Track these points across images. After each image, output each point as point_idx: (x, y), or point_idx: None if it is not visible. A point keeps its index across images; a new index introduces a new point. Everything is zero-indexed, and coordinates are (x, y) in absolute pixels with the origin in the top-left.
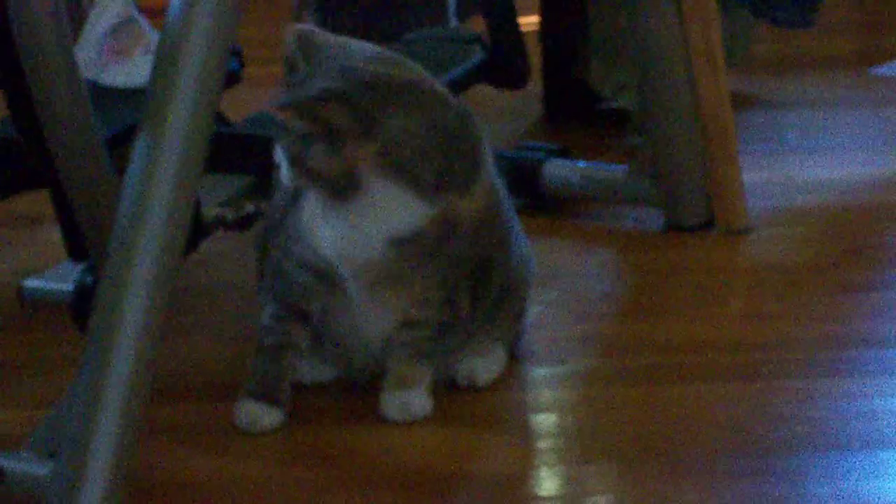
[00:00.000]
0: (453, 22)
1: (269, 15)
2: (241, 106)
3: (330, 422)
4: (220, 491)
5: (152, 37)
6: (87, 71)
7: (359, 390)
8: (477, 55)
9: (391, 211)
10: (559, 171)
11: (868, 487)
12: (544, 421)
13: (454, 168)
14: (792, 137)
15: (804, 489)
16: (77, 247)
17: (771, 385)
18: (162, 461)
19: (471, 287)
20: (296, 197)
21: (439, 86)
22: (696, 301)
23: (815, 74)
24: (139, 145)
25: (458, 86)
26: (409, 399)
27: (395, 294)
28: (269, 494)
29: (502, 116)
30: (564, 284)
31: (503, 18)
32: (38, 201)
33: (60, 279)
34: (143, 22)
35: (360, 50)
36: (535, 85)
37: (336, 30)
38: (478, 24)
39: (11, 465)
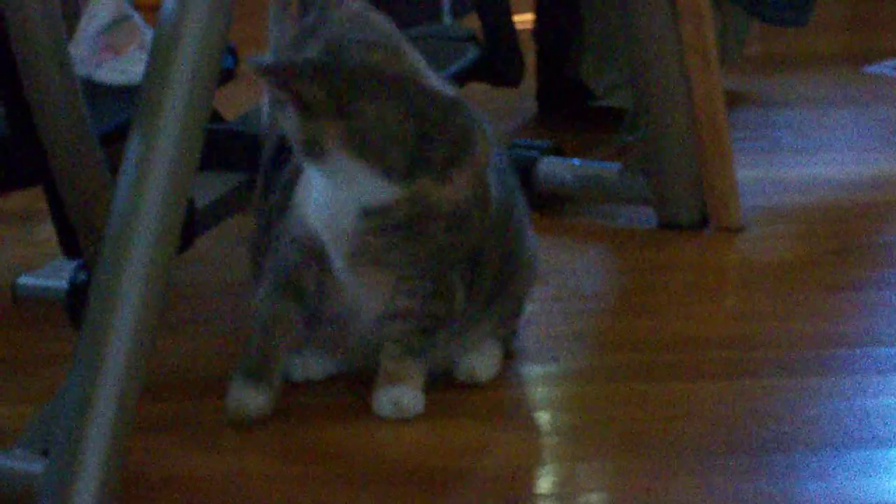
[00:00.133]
0: (448, 20)
1: (263, 12)
2: (236, 103)
3: (324, 418)
4: (214, 487)
5: (147, 34)
6: (82, 68)
7: (352, 387)
8: (471, 53)
9: (359, 183)
10: (553, 168)
11: (861, 485)
12: (538, 418)
13: (429, 156)
14: (785, 136)
15: (797, 487)
16: (71, 244)
17: (764, 383)
18: (155, 457)
19: (466, 280)
20: (293, 181)
21: (430, 78)
22: (689, 299)
23: (809, 73)
24: (133, 142)
25: (453, 83)
26: (401, 396)
27: (377, 275)
28: (262, 490)
29: (496, 114)
30: (557, 282)
31: (498, 16)
32: (31, 198)
33: (54, 276)
34: (138, 19)
35: (371, 28)
36: (529, 83)
37: None
38: (472, 22)
39: (4, 462)
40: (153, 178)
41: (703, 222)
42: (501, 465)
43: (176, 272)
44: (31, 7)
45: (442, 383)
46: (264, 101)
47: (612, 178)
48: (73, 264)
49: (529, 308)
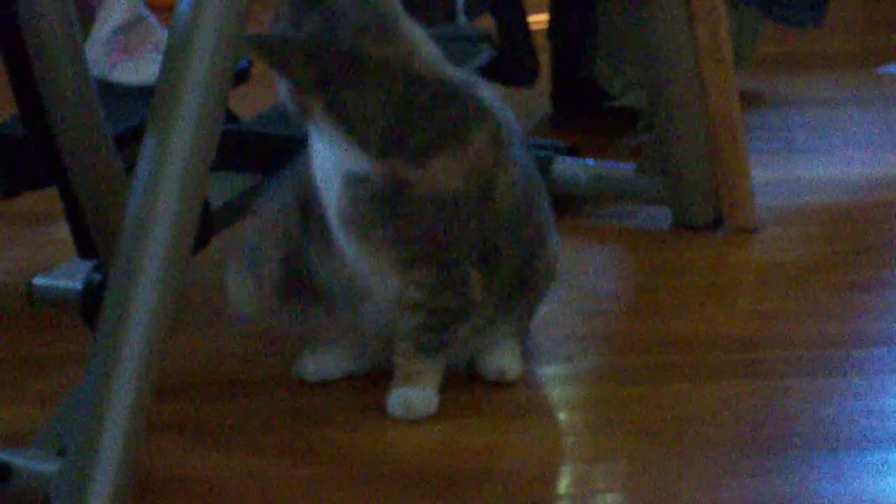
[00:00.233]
0: (462, 20)
1: None
2: (250, 103)
3: (338, 419)
4: (227, 488)
5: (161, 34)
6: (97, 69)
7: (367, 387)
8: (486, 53)
9: (342, 150)
10: (567, 169)
11: (876, 486)
12: (552, 419)
13: (406, 139)
14: (800, 136)
15: (812, 488)
16: (86, 244)
17: (779, 383)
18: (169, 458)
19: (482, 275)
20: None
21: (430, 62)
22: (704, 299)
23: (823, 73)
24: (148, 143)
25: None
26: (414, 397)
27: (372, 252)
28: (276, 492)
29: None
30: (572, 282)
31: (512, 16)
32: (47, 199)
33: (69, 277)
34: (153, 19)
35: (371, 5)
36: (543, 83)
37: None
38: (487, 22)
39: (20, 462)
40: (168, 178)
41: (718, 222)
42: (516, 465)
43: (191, 272)
44: (46, 8)
45: (457, 383)
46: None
47: (627, 179)
48: (88, 265)
49: (544, 308)
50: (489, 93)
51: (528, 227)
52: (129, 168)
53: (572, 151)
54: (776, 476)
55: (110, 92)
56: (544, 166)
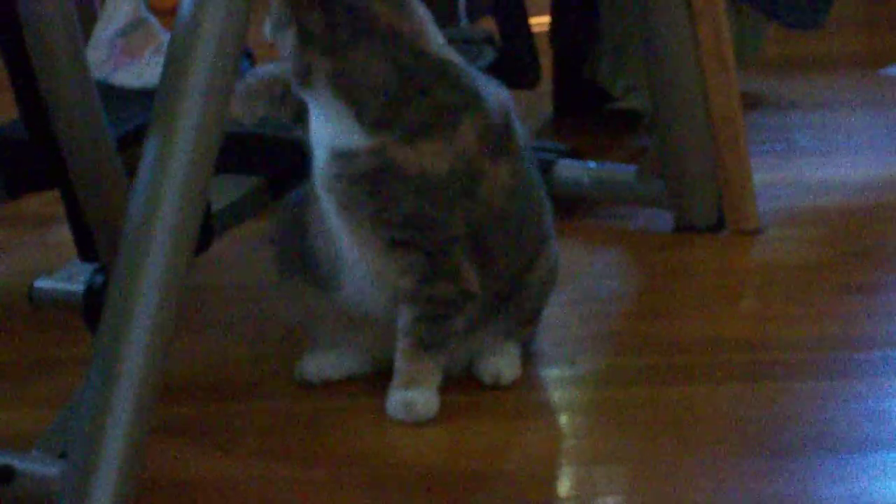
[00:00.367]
0: (464, 22)
1: None
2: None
3: (342, 421)
4: (231, 491)
5: (163, 37)
6: (98, 71)
7: (369, 388)
8: (487, 55)
9: (332, 122)
10: (569, 171)
11: (879, 488)
12: (555, 421)
13: (401, 115)
14: (802, 138)
15: (814, 490)
16: (87, 247)
17: (781, 385)
18: (172, 461)
19: (476, 262)
20: None
21: (434, 44)
22: (706, 301)
23: (825, 75)
24: (150, 146)
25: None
26: (415, 399)
27: (350, 223)
28: (281, 495)
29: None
30: (574, 284)
31: (514, 19)
32: (48, 202)
33: (71, 279)
34: (154, 22)
35: None
36: (545, 85)
37: None
38: (488, 24)
39: (22, 464)
40: (170, 181)
41: (720, 225)
42: (519, 467)
43: (193, 275)
44: (47, 11)
45: (459, 385)
46: (266, 23)
47: (629, 181)
48: (89, 267)
49: (546, 311)
50: (500, 93)
51: (524, 230)
52: (131, 171)
53: (574, 154)
54: (778, 478)
55: (112, 94)
56: (546, 169)
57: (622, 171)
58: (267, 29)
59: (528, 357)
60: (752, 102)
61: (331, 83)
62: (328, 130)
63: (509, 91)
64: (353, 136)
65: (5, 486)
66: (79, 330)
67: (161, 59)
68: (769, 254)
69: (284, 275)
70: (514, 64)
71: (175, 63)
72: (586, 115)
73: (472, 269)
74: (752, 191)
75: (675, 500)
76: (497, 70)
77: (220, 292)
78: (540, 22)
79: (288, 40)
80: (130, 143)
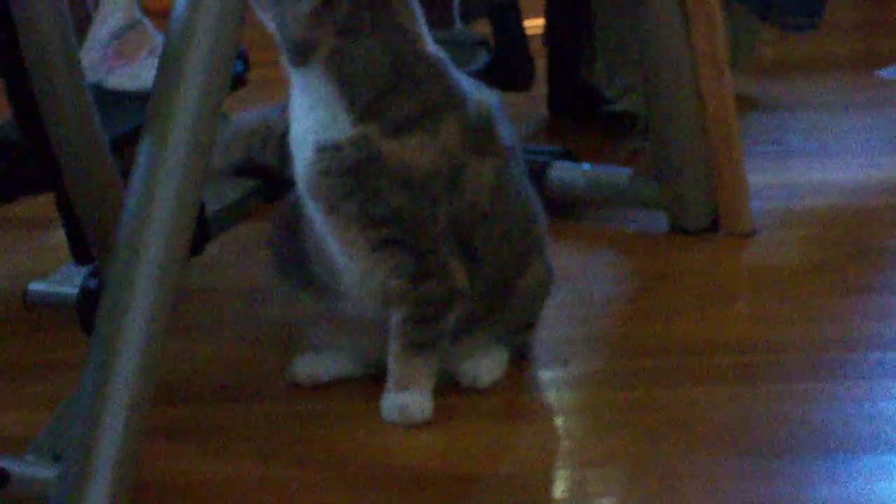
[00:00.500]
0: (458, 25)
1: None
2: (247, 108)
3: (337, 424)
4: (225, 493)
5: (157, 40)
6: (93, 74)
7: (364, 391)
8: (482, 58)
9: (318, 111)
10: (564, 173)
11: (873, 490)
12: (549, 423)
13: (390, 107)
14: (796, 140)
15: (809, 492)
16: (82, 250)
17: (775, 387)
18: (167, 463)
19: (462, 258)
20: None
21: (428, 45)
22: (700, 303)
23: (820, 77)
24: (144, 148)
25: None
26: (408, 402)
27: (335, 222)
28: (266, 496)
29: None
30: (568, 287)
31: (508, 21)
32: (42, 204)
33: (65, 282)
34: (149, 25)
35: None
36: (540, 88)
37: None
38: (483, 27)
39: (16, 468)
40: (164, 183)
41: (715, 227)
42: (513, 470)
43: (187, 277)
44: (41, 13)
45: (453, 387)
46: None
47: (624, 183)
48: (84, 270)
49: (541, 313)
50: (484, 95)
51: (512, 234)
52: (125, 173)
53: (569, 156)
54: (771, 479)
55: (106, 97)
56: (541, 171)
57: (617, 174)
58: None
59: (522, 360)
60: (746, 104)
61: (330, 64)
62: (312, 122)
63: (501, 94)
64: (338, 126)
65: (0, 490)
66: (73, 332)
67: (155, 62)
68: (763, 256)
69: (279, 278)
70: (508, 66)
71: (169, 65)
72: (581, 117)
73: (459, 266)
74: (746, 193)
75: (668, 501)
76: (491, 72)
77: (215, 295)
78: (534, 24)
79: (298, 9)
80: (125, 145)
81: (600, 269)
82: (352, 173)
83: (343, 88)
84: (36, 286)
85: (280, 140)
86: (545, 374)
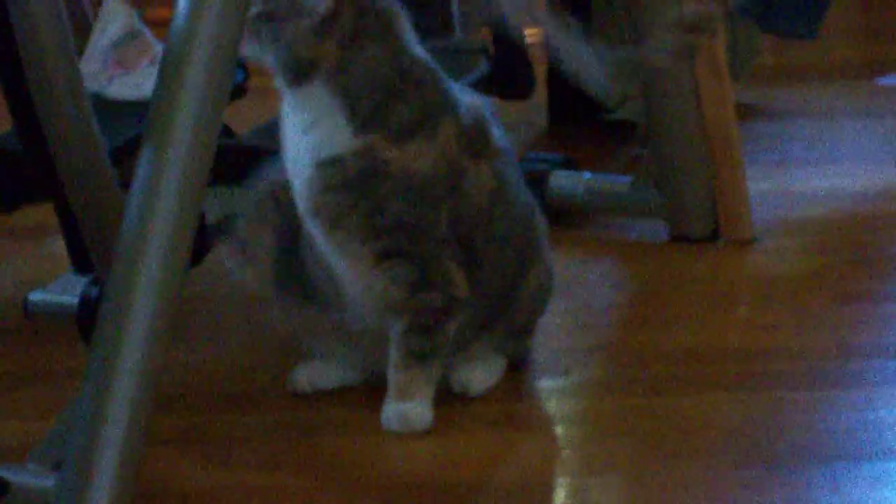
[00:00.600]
0: (458, 33)
1: None
2: (247, 118)
3: (337, 432)
4: (220, 501)
5: (157, 49)
6: (93, 83)
7: (365, 399)
8: (482, 66)
9: (318, 128)
10: (564, 181)
11: (873, 498)
12: (549, 432)
13: (391, 113)
14: (796, 148)
15: (809, 499)
16: (82, 259)
17: (776, 395)
18: (167, 472)
19: (463, 267)
20: None
21: (419, 50)
22: (701, 311)
23: (821, 85)
24: (144, 158)
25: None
26: (408, 411)
27: (339, 239)
28: None
29: (507, 127)
30: (569, 295)
31: (508, 29)
32: (42, 214)
33: (65, 291)
34: (148, 34)
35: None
36: (540, 96)
37: None
38: (483, 35)
39: (16, 477)
40: (164, 193)
41: (715, 235)
42: (513, 479)
43: (187, 286)
44: (41, 23)
45: (452, 397)
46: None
47: (624, 192)
48: (84, 280)
49: (541, 321)
50: (474, 98)
51: (511, 236)
52: (125, 183)
53: (569, 164)
54: (772, 488)
55: (106, 106)
56: (541, 179)
57: (617, 182)
58: (253, 20)
59: (522, 367)
60: (746, 112)
61: (331, 78)
62: (311, 139)
63: (502, 102)
64: (341, 140)
65: (0, 499)
66: (73, 342)
67: (155, 71)
68: (764, 264)
69: (278, 288)
70: (508, 74)
71: (169, 74)
72: (581, 125)
73: (460, 274)
74: (746, 200)
75: None
76: (492, 81)
77: (215, 303)
78: (534, 32)
79: (302, 27)
80: (125, 154)
81: (600, 277)
82: (355, 185)
83: (345, 101)
84: (36, 295)
85: None
86: (546, 383)
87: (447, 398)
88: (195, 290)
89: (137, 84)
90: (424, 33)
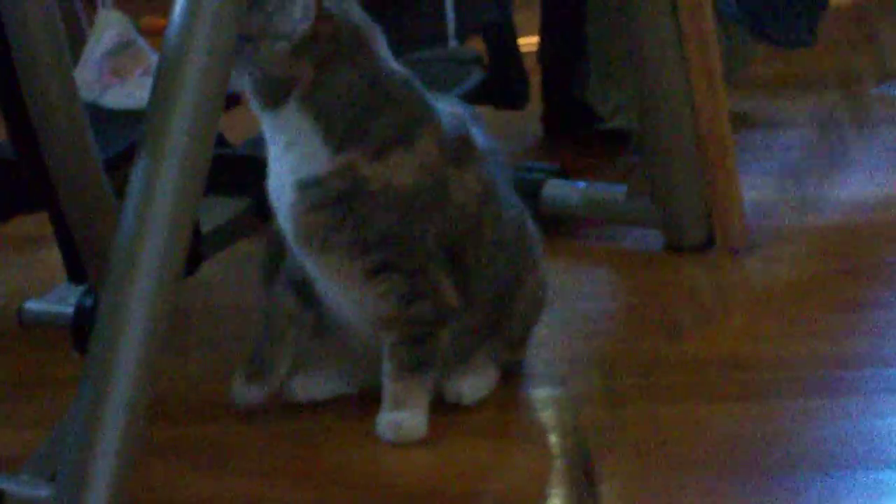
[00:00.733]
0: (453, 43)
1: None
2: (242, 128)
3: (333, 441)
4: None
5: (152, 58)
6: (87, 92)
7: (360, 409)
8: (476, 76)
9: (295, 149)
10: (558, 191)
11: None
12: (545, 442)
13: (368, 130)
14: (791, 157)
15: None
16: (77, 269)
17: (771, 404)
18: (162, 482)
19: (453, 279)
20: None
21: (393, 63)
22: (696, 320)
23: (815, 94)
24: (138, 167)
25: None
26: (403, 420)
27: (328, 261)
28: None
29: (501, 137)
30: (563, 304)
31: (502, 39)
32: (37, 223)
33: (60, 301)
34: (143, 43)
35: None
36: (534, 105)
37: None
38: (477, 45)
39: (11, 487)
40: (159, 202)
41: (710, 243)
42: (509, 488)
43: (182, 296)
44: (35, 32)
45: (448, 406)
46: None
47: (619, 200)
48: (78, 289)
49: (536, 330)
50: (454, 106)
51: (502, 245)
52: (120, 192)
53: (563, 173)
54: (769, 496)
55: (100, 116)
56: (535, 189)
57: (611, 191)
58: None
59: (518, 377)
60: (741, 121)
61: (306, 99)
62: (290, 161)
63: (496, 111)
64: (319, 160)
65: None
66: (68, 351)
67: (149, 80)
68: (759, 272)
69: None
70: (502, 84)
71: (163, 84)
72: (575, 134)
73: (449, 284)
74: (741, 209)
75: None
76: (486, 90)
77: (209, 314)
78: (528, 42)
79: (278, 47)
80: (119, 164)
81: (595, 286)
82: (338, 204)
83: (320, 121)
84: (31, 305)
85: None
86: (541, 392)
87: (441, 408)
88: (189, 301)
89: (132, 93)
90: (419, 43)
